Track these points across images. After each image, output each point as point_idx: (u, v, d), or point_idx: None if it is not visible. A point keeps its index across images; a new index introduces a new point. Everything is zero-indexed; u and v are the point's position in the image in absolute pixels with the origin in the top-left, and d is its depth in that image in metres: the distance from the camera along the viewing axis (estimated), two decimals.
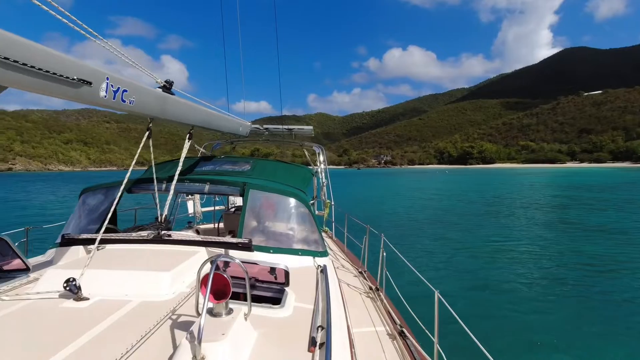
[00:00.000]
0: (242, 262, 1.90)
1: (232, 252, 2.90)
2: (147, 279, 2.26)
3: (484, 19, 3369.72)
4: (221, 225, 5.86)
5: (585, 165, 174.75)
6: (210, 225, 6.66)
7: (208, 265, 1.62)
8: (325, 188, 8.02)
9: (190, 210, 7.59)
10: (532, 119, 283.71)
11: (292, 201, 3.53)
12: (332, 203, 7.86)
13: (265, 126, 7.98)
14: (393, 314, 3.50)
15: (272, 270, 2.06)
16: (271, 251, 3.07)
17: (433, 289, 2.78)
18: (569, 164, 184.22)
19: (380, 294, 4.05)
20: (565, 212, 23.33)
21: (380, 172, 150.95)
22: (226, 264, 1.95)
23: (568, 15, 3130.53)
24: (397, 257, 4.06)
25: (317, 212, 8.18)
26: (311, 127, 8.27)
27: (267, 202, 3.55)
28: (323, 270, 2.80)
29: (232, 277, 1.72)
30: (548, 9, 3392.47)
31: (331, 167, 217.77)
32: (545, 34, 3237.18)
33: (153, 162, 3.52)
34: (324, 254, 3.32)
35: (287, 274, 2.05)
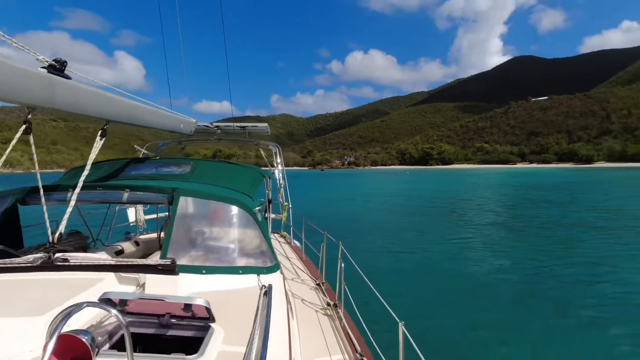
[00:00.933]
0: (144, 299, 1.59)
1: (152, 277, 2.37)
2: (6, 328, 1.65)
3: (441, 26, 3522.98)
4: (163, 235, 5.07)
5: (534, 165, 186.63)
6: (154, 235, 5.75)
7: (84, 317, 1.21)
8: (282, 190, 7.63)
9: (131, 218, 6.66)
10: (487, 122, 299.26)
11: (234, 209, 2.98)
12: (290, 206, 7.52)
13: (215, 124, 7.20)
14: (353, 337, 3.13)
15: (187, 307, 1.64)
16: (204, 272, 2.56)
17: (397, 319, 2.46)
18: (520, 165, 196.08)
19: (339, 311, 3.64)
20: (521, 210, 24.11)
21: (344, 173, 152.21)
22: (122, 302, 1.53)
23: (516, 26, 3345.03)
24: (357, 269, 3.73)
25: (275, 215, 7.68)
26: (266, 125, 7.58)
27: (203, 210, 3.06)
28: (267, 292, 2.36)
29: (142, 314, 1.33)
30: (498, 19, 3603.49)
31: (295, 168, 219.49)
32: (496, 42, 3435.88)
33: (37, 164, 2.80)
34: (272, 269, 2.82)
35: (208, 310, 1.66)
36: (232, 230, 3.01)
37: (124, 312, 1.61)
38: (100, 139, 2.87)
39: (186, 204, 2.90)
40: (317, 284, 4.53)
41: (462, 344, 6.26)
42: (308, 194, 40.33)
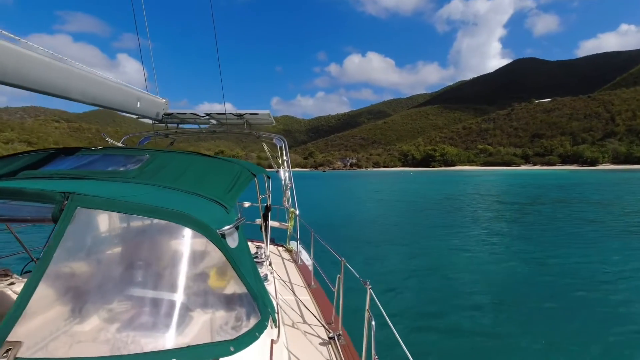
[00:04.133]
0: None
1: None
2: None
3: (440, 29, 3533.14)
4: None
5: (537, 167, 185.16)
6: None
7: None
8: (288, 192, 6.46)
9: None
10: (490, 123, 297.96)
11: (180, 231, 1.71)
12: (298, 213, 6.30)
13: (206, 112, 5.81)
14: None
15: None
16: None
17: None
18: (523, 167, 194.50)
19: None
20: (534, 208, 22.83)
21: (347, 174, 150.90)
22: None
23: (514, 30, 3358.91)
24: (391, 316, 2.48)
25: (279, 224, 6.48)
26: (268, 112, 5.98)
27: (120, 236, 1.87)
28: None
29: None
30: (497, 22, 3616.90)
31: (297, 169, 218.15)
32: (495, 45, 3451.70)
33: None
34: (249, 337, 1.66)
35: None
36: (174, 271, 1.74)
37: None
38: None
39: (86, 223, 1.61)
40: (330, 338, 3.18)
41: None
42: (314, 196, 39.12)
